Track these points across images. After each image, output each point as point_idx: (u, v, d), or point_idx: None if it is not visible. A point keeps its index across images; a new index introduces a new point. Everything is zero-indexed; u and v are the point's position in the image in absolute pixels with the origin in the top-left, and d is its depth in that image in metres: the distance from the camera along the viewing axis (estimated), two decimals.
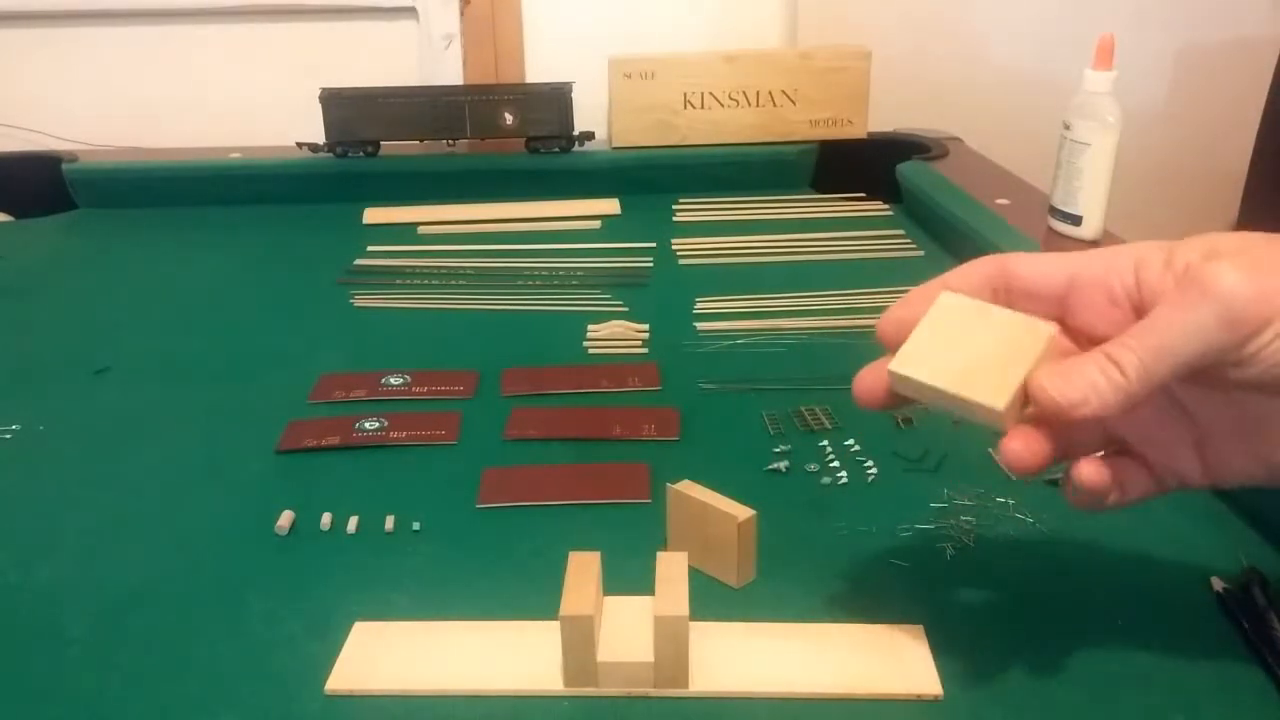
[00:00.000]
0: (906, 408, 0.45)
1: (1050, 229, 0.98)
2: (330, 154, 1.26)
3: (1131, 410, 0.39)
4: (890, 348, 0.43)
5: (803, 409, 0.71)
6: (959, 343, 0.41)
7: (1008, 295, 0.44)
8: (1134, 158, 1.02)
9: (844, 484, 0.62)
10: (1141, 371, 0.38)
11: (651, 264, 1.03)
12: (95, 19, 1.48)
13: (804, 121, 1.28)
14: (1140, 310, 0.40)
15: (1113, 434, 0.45)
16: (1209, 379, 0.40)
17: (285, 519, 0.59)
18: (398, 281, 0.99)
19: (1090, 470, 0.42)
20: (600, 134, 1.31)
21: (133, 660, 0.48)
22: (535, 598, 0.51)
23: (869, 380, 0.44)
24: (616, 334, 0.85)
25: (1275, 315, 0.37)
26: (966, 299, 0.43)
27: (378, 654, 0.48)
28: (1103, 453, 0.44)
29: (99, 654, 0.49)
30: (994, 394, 0.40)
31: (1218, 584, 0.51)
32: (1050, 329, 0.41)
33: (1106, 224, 0.96)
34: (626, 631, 0.46)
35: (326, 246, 1.10)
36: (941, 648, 0.47)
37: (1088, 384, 0.38)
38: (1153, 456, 0.44)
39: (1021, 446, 0.40)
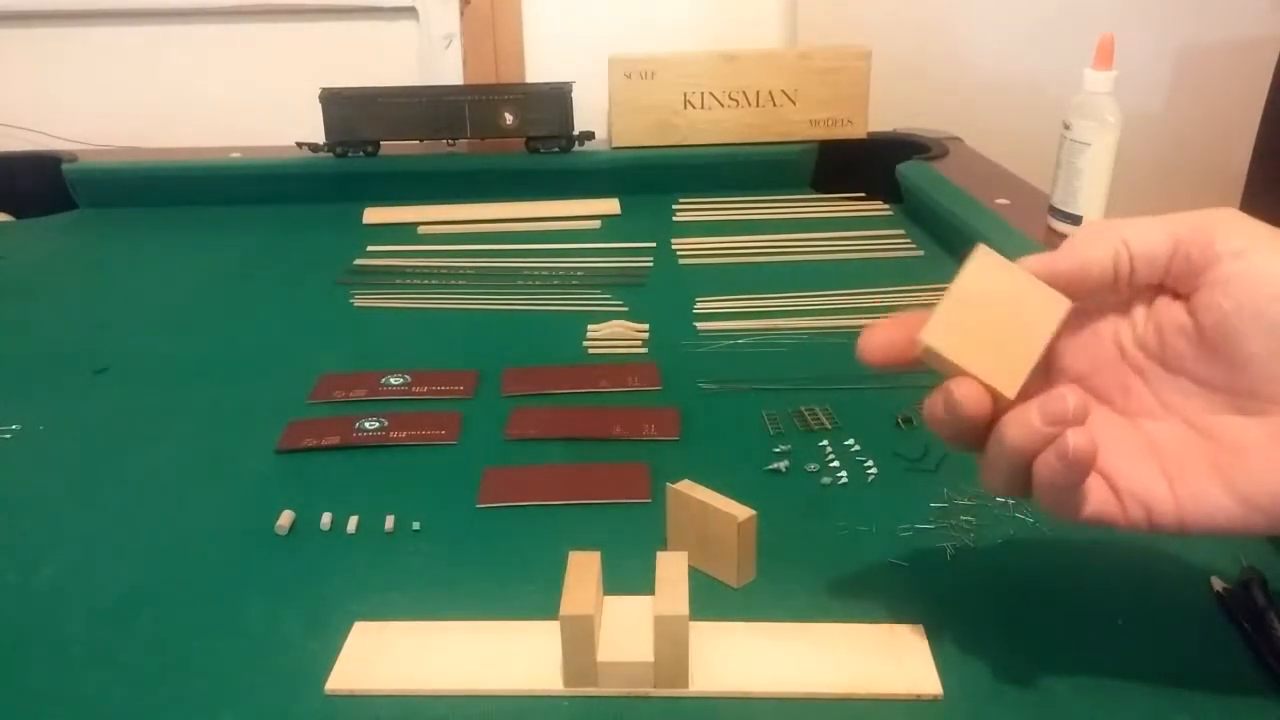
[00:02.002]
0: (907, 374, 0.44)
1: (1050, 229, 0.98)
2: (330, 154, 1.26)
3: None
4: (871, 363, 0.43)
5: (803, 409, 0.71)
6: (985, 315, 0.41)
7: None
8: (1134, 158, 1.02)
9: (844, 484, 0.62)
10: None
11: (651, 264, 1.03)
12: (95, 19, 1.48)
13: (804, 121, 1.28)
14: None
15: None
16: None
17: (285, 519, 0.59)
18: (398, 281, 0.99)
19: (1082, 440, 0.39)
20: (600, 134, 1.31)
21: (133, 660, 0.48)
22: (535, 598, 0.51)
23: (880, 340, 0.43)
24: (616, 334, 0.85)
25: None
26: (999, 258, 0.42)
27: (378, 654, 0.48)
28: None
29: (99, 654, 0.49)
30: (1007, 382, 0.40)
31: (1218, 584, 0.51)
32: (1066, 304, 0.41)
33: None
34: (626, 631, 0.46)
35: (326, 246, 1.10)
36: (941, 648, 0.47)
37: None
38: (1122, 485, 0.41)
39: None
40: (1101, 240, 0.42)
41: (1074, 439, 0.38)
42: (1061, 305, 0.41)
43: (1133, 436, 0.42)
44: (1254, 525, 0.40)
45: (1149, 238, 0.41)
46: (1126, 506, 0.41)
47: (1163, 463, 0.41)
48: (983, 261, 0.42)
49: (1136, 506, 0.41)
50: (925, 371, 0.43)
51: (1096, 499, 0.41)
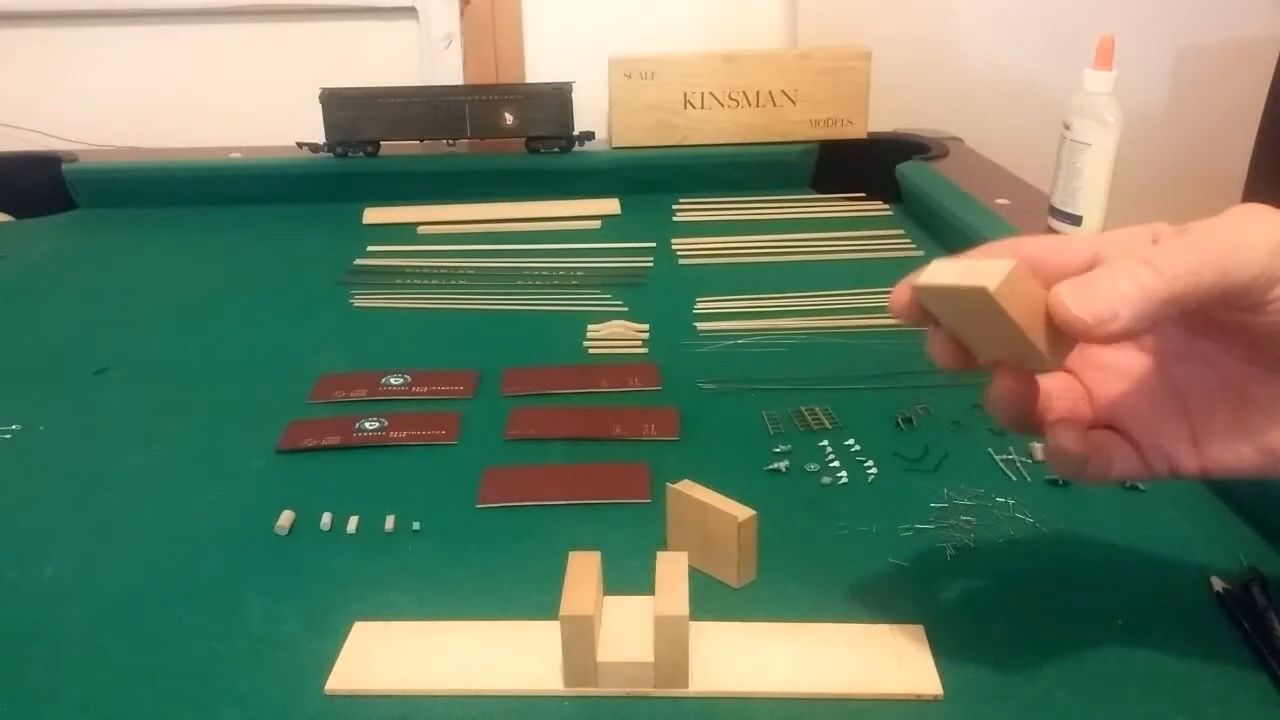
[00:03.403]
0: (927, 325, 0.43)
1: (1050, 229, 0.98)
2: (330, 154, 1.26)
3: (1155, 325, 0.36)
4: (904, 319, 0.42)
5: (803, 409, 0.71)
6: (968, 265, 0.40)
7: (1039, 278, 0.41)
8: (1134, 158, 1.02)
9: (844, 484, 0.62)
10: (1180, 279, 0.35)
11: (651, 264, 1.03)
12: (95, 19, 1.48)
13: (804, 121, 1.28)
14: None
15: (1104, 414, 0.44)
16: (1226, 331, 0.39)
17: (285, 519, 0.59)
18: (398, 281, 0.99)
19: (1069, 436, 0.41)
20: (600, 134, 1.31)
21: (133, 660, 0.48)
22: (535, 598, 0.51)
23: (901, 293, 0.42)
24: (616, 334, 0.85)
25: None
26: (961, 260, 0.40)
27: (378, 654, 0.48)
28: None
29: (99, 654, 0.49)
30: (990, 278, 0.37)
31: (1218, 584, 0.51)
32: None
33: (1106, 224, 0.96)
34: (626, 631, 0.46)
35: (326, 246, 1.10)
36: (941, 648, 0.47)
37: (1116, 296, 0.35)
38: (1144, 440, 0.43)
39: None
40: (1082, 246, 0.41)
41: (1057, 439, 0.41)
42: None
43: (1159, 385, 0.43)
44: (1272, 471, 0.41)
45: (1061, 246, 0.40)
46: (1150, 461, 0.43)
47: (1187, 410, 0.42)
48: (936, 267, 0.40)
49: (1160, 460, 0.43)
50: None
51: (1120, 464, 0.43)
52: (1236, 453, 0.41)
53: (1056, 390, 0.44)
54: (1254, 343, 0.40)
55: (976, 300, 0.37)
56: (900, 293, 0.41)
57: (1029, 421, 0.42)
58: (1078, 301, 0.36)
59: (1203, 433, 0.42)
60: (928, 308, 0.41)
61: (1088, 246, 0.40)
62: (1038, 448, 0.64)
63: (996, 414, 0.42)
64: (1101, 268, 0.37)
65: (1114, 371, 0.44)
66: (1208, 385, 0.42)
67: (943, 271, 0.39)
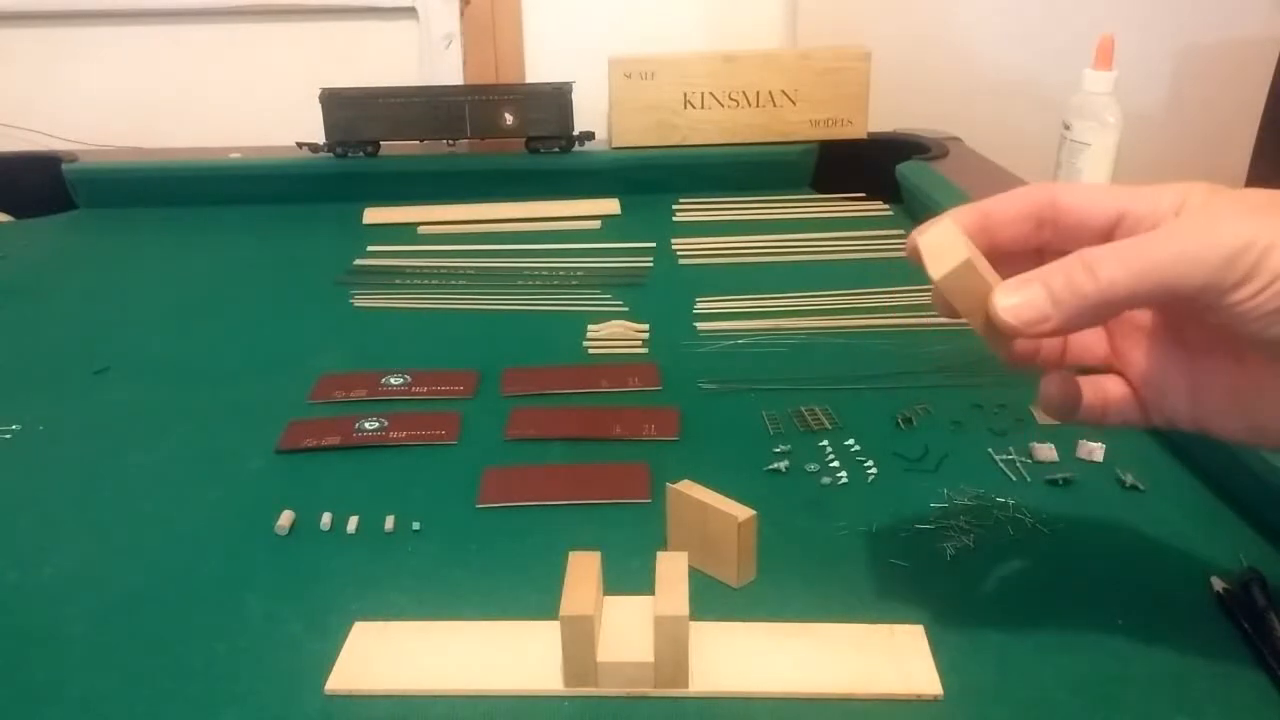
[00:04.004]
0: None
1: None
2: (330, 154, 1.26)
3: (1099, 322, 0.40)
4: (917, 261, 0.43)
5: (803, 409, 0.71)
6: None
7: (1055, 229, 0.43)
8: (1134, 158, 1.02)
9: (844, 484, 0.62)
10: (1115, 286, 0.37)
11: (651, 264, 1.03)
12: (95, 19, 1.48)
13: (804, 121, 1.28)
14: None
15: (1109, 362, 0.46)
16: (1195, 323, 0.41)
17: (285, 519, 0.59)
18: (398, 281, 0.99)
19: (1053, 387, 0.44)
20: (600, 134, 1.31)
21: (133, 660, 0.48)
22: (535, 598, 0.51)
23: (913, 239, 0.44)
24: (616, 334, 0.85)
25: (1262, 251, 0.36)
26: (955, 232, 0.42)
27: (378, 654, 0.48)
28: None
29: (99, 654, 0.49)
30: (941, 266, 0.40)
31: (1218, 584, 0.51)
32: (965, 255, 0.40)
33: None
34: (626, 631, 0.46)
35: (326, 246, 1.10)
36: (941, 648, 0.47)
37: (1048, 300, 0.38)
38: (1146, 392, 0.45)
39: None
40: (1030, 194, 0.43)
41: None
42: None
43: (1170, 341, 0.45)
44: (1260, 444, 0.44)
45: (1087, 199, 0.42)
46: (1149, 411, 0.45)
47: (1192, 369, 0.44)
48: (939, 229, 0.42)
49: (1158, 412, 0.45)
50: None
51: (1118, 409, 0.45)
52: (1225, 422, 0.43)
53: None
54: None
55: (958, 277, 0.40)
56: (912, 239, 0.43)
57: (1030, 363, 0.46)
58: (1007, 308, 0.39)
59: (1203, 394, 0.44)
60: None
61: (1114, 205, 0.42)
62: (1038, 448, 0.64)
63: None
64: (1043, 268, 0.39)
65: (1130, 322, 0.46)
66: (1213, 351, 0.43)
67: (933, 238, 0.41)
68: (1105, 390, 0.45)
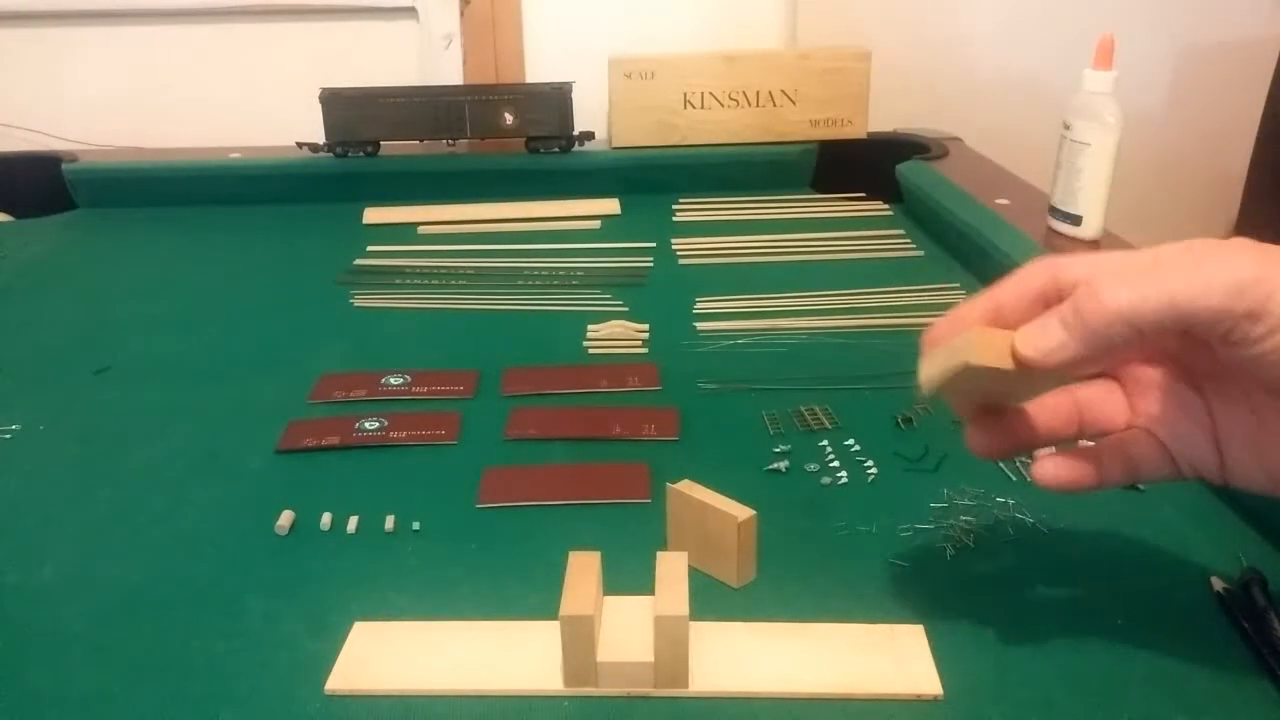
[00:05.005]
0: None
1: (1050, 229, 0.98)
2: (330, 154, 1.26)
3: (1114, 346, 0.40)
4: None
5: (803, 409, 0.71)
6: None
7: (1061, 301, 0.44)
8: (1134, 158, 1.02)
9: (844, 484, 0.62)
10: (1121, 307, 0.39)
11: (651, 264, 1.03)
12: (95, 19, 1.48)
13: (804, 121, 1.28)
14: None
15: (1133, 424, 0.47)
16: (1214, 366, 0.42)
17: (285, 519, 0.59)
18: (398, 281, 0.99)
19: (1047, 468, 0.45)
20: (600, 134, 1.31)
21: (133, 660, 0.48)
22: (535, 598, 0.51)
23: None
24: (616, 334, 0.85)
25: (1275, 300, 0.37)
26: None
27: (378, 654, 0.48)
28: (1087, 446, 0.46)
29: (99, 654, 0.49)
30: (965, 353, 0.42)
31: (1218, 584, 0.51)
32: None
33: (1106, 224, 0.96)
34: (626, 631, 0.46)
35: (326, 246, 1.10)
36: (941, 648, 0.47)
37: (1060, 329, 0.40)
38: (1172, 445, 0.45)
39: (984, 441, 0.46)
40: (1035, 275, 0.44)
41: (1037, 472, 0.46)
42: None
43: (1190, 397, 0.45)
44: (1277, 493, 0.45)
45: (1086, 272, 0.43)
46: (1179, 465, 0.46)
47: (1214, 423, 0.45)
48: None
49: (1187, 465, 0.46)
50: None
51: (1149, 465, 0.46)
52: (1250, 476, 0.44)
53: (1045, 414, 0.47)
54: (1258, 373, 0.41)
55: (970, 374, 0.42)
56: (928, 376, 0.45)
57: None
58: (1026, 342, 0.41)
59: (1224, 447, 0.45)
60: (945, 398, 0.46)
61: (1040, 275, 0.43)
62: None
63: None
64: (1054, 308, 0.41)
65: (1148, 381, 0.47)
66: (1231, 402, 0.44)
67: (933, 366, 0.43)
68: (1130, 452, 0.46)
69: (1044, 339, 0.40)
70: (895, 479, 0.63)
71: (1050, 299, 0.43)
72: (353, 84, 1.25)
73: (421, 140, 1.27)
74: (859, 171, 1.25)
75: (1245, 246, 0.39)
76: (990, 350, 0.41)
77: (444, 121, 1.25)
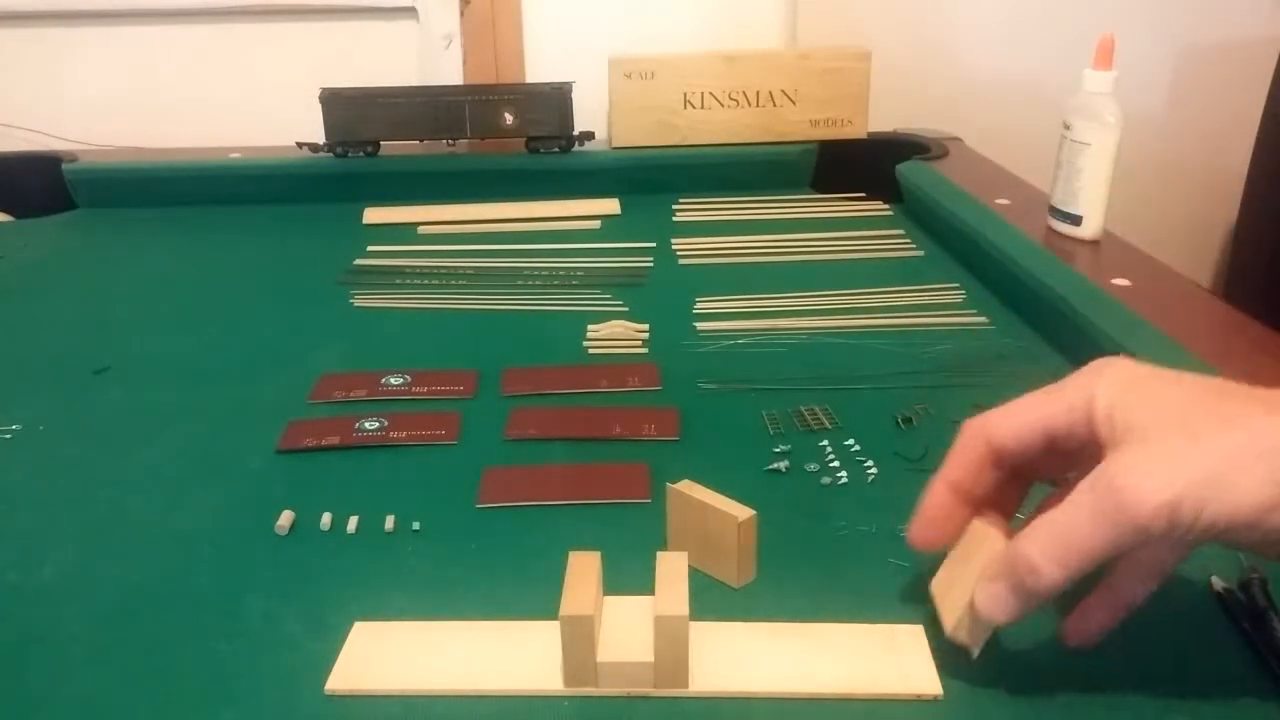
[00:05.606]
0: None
1: (1050, 229, 0.98)
2: (330, 154, 1.26)
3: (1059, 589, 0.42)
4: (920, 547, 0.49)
5: (803, 409, 0.71)
6: (959, 573, 0.47)
7: (1011, 461, 0.46)
8: (1134, 158, 1.02)
9: (844, 484, 0.62)
10: (1055, 578, 0.41)
11: (651, 264, 1.03)
12: (95, 19, 1.48)
13: (804, 121, 1.28)
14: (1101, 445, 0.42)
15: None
16: None
17: (285, 519, 0.59)
18: (398, 281, 0.99)
19: (1073, 627, 0.46)
20: (600, 134, 1.31)
21: (133, 660, 0.48)
22: (535, 598, 0.51)
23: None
24: (616, 334, 0.85)
25: (1191, 511, 0.38)
26: (984, 526, 0.47)
27: (378, 654, 0.48)
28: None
29: (99, 654, 0.49)
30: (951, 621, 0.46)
31: (1218, 584, 0.51)
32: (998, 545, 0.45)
33: (1106, 224, 0.96)
34: (626, 631, 0.46)
35: (326, 246, 1.10)
36: (941, 648, 0.47)
37: (1000, 604, 0.43)
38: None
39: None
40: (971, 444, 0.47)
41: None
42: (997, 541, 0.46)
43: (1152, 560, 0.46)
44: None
45: (1014, 435, 0.45)
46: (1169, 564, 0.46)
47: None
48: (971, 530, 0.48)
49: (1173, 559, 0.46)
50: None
51: (1150, 581, 0.46)
52: (1239, 536, 0.43)
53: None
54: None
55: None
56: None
57: None
58: (979, 606, 0.44)
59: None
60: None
61: (1039, 430, 0.45)
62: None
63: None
64: (1006, 561, 0.43)
65: (1148, 569, 0.46)
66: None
67: (962, 631, 0.46)
68: (1119, 594, 0.46)
69: (992, 604, 0.43)
70: (895, 479, 0.63)
71: (1000, 460, 0.46)
72: (353, 84, 1.25)
73: (421, 140, 1.27)
74: (859, 171, 1.25)
75: (1157, 417, 0.41)
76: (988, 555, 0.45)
77: (444, 121, 1.25)
